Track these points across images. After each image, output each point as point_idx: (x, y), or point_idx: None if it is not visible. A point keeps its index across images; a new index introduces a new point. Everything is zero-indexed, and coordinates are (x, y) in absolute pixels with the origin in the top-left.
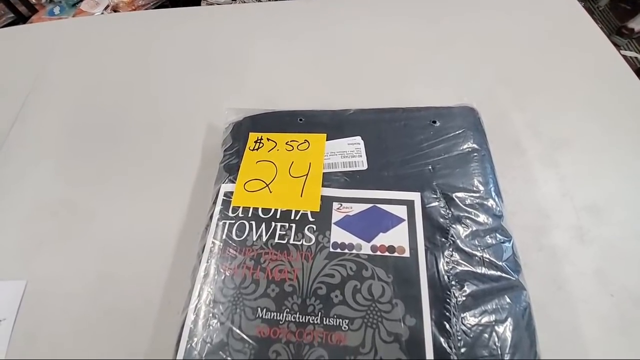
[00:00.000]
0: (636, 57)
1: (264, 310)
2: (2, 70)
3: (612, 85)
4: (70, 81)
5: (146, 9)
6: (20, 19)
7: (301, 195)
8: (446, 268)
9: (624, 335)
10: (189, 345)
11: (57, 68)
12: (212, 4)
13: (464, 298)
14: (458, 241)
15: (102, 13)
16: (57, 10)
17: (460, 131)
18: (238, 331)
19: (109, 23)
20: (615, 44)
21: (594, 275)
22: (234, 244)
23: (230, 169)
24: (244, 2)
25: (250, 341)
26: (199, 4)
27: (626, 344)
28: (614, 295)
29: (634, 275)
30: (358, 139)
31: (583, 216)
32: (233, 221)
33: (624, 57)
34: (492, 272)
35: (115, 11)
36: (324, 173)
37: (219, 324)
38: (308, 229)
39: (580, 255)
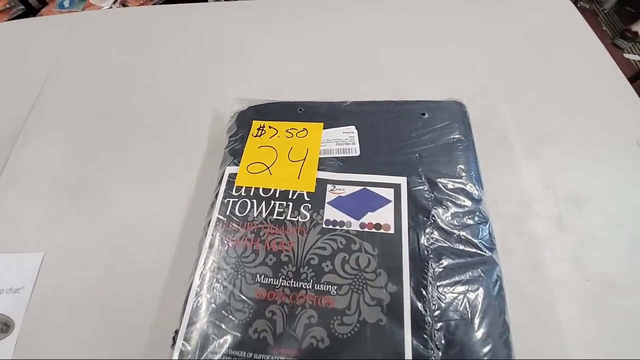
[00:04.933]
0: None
1: (262, 276)
2: (20, 59)
3: (598, 82)
4: (84, 70)
5: (154, 3)
6: (31, 11)
7: (298, 177)
8: (426, 244)
9: (597, 317)
10: (195, 305)
11: (72, 58)
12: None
13: (440, 269)
14: (439, 221)
15: (111, 7)
16: (66, 3)
17: (446, 123)
18: (239, 293)
19: (120, 17)
20: (618, 47)
21: (571, 261)
22: (236, 219)
23: (235, 153)
24: None
25: (250, 302)
26: (205, 0)
27: (598, 325)
28: (589, 280)
29: (610, 262)
30: (352, 128)
31: (563, 206)
32: (236, 199)
33: (627, 60)
34: (468, 248)
35: (123, 5)
36: (320, 158)
37: (222, 287)
38: (304, 207)
39: (558, 242)
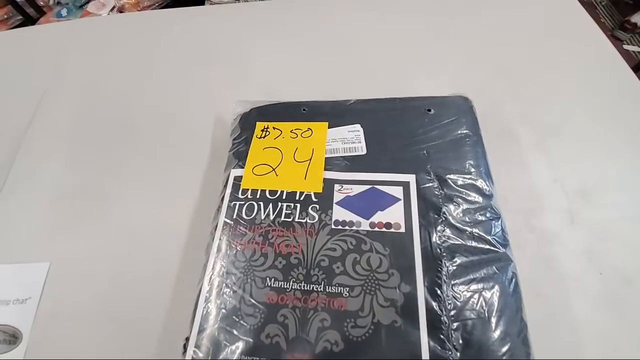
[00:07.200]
0: (639, 51)
1: (272, 279)
2: (20, 69)
3: (603, 75)
4: (84, 78)
5: (152, 8)
6: (29, 21)
7: (305, 178)
8: (438, 242)
9: (613, 311)
10: (205, 311)
11: (71, 66)
12: (215, 3)
13: (454, 268)
14: (450, 218)
15: (109, 14)
16: (64, 12)
17: (453, 118)
18: (249, 298)
19: (118, 23)
20: (618, 39)
21: (584, 255)
22: (244, 222)
23: (239, 156)
24: (247, 0)
25: (260, 306)
26: (202, 4)
27: (614, 319)
28: (603, 274)
29: (623, 255)
30: (358, 126)
31: (573, 200)
32: (243, 202)
33: (627, 51)
34: (481, 245)
35: (121, 12)
36: (326, 158)
37: (231, 292)
38: (312, 208)
39: (570, 237)
